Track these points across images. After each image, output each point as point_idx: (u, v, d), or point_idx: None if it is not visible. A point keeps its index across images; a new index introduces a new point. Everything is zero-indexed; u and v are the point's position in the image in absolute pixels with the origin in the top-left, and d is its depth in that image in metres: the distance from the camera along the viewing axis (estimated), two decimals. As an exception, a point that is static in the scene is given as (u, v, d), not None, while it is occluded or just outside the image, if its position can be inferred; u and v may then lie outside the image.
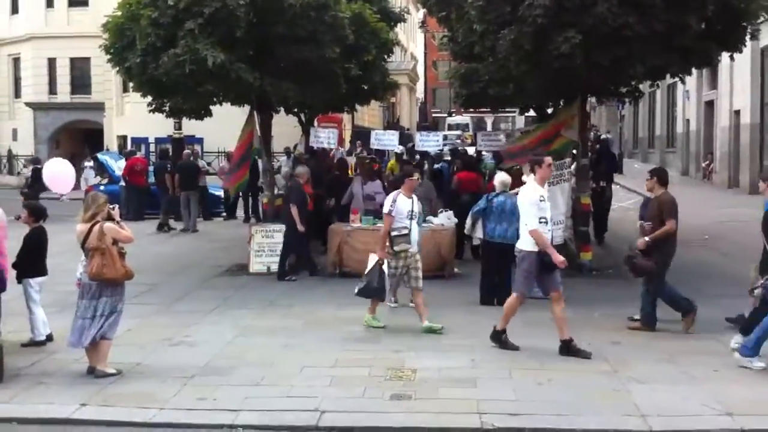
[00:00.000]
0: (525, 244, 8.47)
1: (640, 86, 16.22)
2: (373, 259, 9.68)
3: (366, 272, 9.69)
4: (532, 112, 19.28)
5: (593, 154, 18.72)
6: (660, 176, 9.72)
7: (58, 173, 8.51)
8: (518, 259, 8.61)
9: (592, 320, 9.92)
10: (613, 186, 18.43)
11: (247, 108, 14.78)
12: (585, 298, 10.84)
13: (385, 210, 9.56)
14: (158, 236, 18.33)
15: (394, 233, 9.45)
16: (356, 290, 9.67)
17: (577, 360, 8.25)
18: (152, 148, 31.60)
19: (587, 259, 13.30)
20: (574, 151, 14.13)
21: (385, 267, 9.47)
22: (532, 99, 15.86)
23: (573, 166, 13.56)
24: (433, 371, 7.88)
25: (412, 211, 9.60)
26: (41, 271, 9.03)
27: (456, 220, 13.08)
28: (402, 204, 9.52)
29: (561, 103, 15.56)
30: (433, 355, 8.48)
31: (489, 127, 53.51)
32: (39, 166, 20.37)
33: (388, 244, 9.52)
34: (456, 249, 13.49)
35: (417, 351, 8.60)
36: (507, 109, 24.09)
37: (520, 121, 48.70)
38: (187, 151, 20.78)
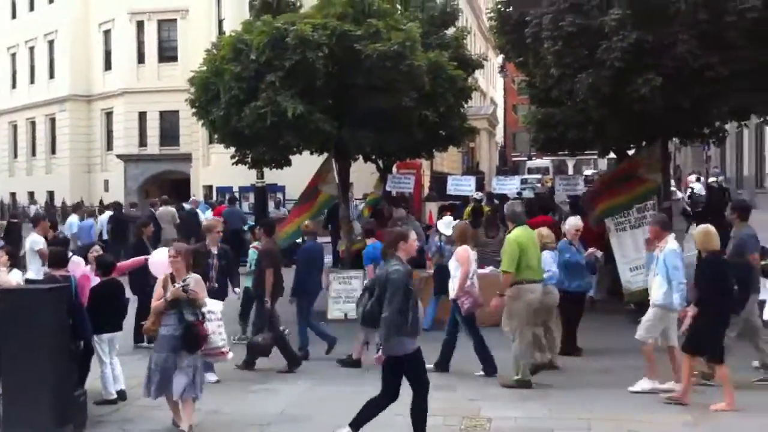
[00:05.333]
0: None
1: (726, 126, 15.80)
2: None
3: None
4: (612, 155, 19.00)
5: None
6: (266, 228, 10.83)
7: (162, 262, 8.76)
8: None
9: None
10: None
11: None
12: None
13: None
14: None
15: None
16: None
17: (656, 410, 7.97)
18: (237, 197, 32.37)
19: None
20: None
21: None
22: (612, 142, 15.62)
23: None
24: (509, 421, 7.76)
25: None
26: (110, 326, 8.68)
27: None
28: None
29: (643, 144, 15.29)
30: (508, 404, 8.33)
31: (570, 170, 52.74)
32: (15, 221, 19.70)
33: None
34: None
35: (492, 400, 8.46)
36: (587, 152, 23.73)
37: (602, 164, 47.89)
38: (193, 198, 21.52)
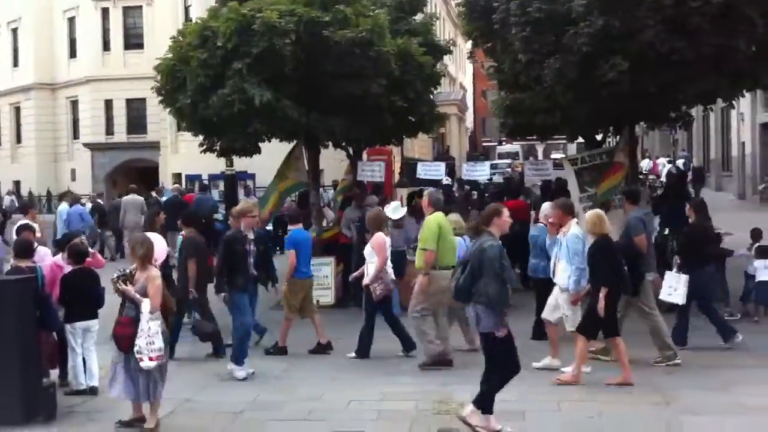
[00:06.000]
0: None
1: (692, 110, 15.96)
2: None
3: None
4: (581, 139, 19.13)
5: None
6: (184, 220, 10.65)
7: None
8: None
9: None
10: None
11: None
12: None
13: None
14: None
15: None
16: None
17: (628, 391, 8.08)
18: (207, 185, 32.12)
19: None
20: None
21: None
22: (580, 127, 15.72)
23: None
24: (482, 404, 7.77)
25: None
26: (84, 316, 8.50)
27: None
28: None
29: (610, 129, 15.39)
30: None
31: (540, 155, 53.03)
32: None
33: None
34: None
35: (464, 384, 8.47)
36: (556, 137, 23.88)
37: (571, 148, 48.25)
38: (175, 185, 21.23)
